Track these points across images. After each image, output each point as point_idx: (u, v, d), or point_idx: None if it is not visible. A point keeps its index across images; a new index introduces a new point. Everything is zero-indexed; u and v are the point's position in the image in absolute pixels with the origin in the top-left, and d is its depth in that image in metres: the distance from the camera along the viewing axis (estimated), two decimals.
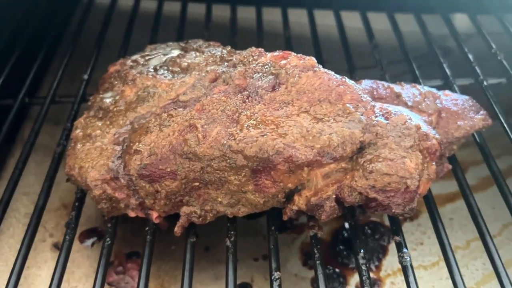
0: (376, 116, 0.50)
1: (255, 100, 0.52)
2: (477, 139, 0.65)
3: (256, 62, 0.55)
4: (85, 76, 0.76)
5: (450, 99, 0.60)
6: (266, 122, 0.50)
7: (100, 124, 0.58)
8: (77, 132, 0.58)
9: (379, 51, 0.80)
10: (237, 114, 0.51)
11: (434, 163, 0.52)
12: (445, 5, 0.89)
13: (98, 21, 0.90)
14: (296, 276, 0.65)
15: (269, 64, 0.54)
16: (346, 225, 0.71)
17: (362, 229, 0.71)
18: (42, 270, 0.64)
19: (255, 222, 0.70)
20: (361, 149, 0.50)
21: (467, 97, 0.62)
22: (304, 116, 0.50)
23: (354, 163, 0.50)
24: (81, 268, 0.64)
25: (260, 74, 0.54)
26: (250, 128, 0.50)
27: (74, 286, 0.62)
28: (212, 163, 0.51)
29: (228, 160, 0.50)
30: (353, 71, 0.76)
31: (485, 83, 0.72)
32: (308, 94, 0.51)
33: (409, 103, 0.59)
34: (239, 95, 0.53)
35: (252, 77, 0.54)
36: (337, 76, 0.52)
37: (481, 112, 0.60)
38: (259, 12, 0.90)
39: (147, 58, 0.65)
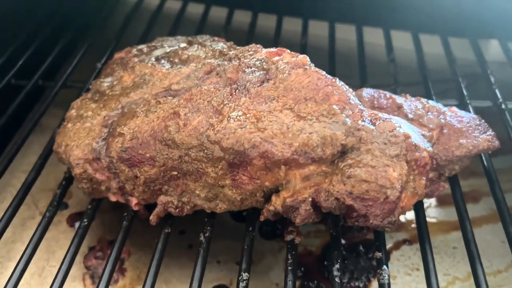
0: (363, 121, 0.48)
1: (242, 93, 0.51)
2: (486, 166, 0.61)
3: (251, 57, 0.54)
4: (98, 65, 0.78)
5: (455, 116, 0.57)
6: (248, 115, 0.48)
7: (94, 106, 0.59)
8: (72, 112, 0.59)
9: (396, 65, 0.77)
10: (221, 105, 0.50)
11: (424, 178, 0.49)
12: (474, 29, 0.85)
13: (127, 15, 0.93)
14: (277, 285, 0.63)
15: (262, 60, 0.53)
16: (343, 241, 0.68)
17: (355, 247, 0.67)
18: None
19: (244, 225, 0.68)
20: (344, 153, 0.48)
21: (474, 115, 0.58)
22: (287, 113, 0.48)
23: (335, 167, 0.48)
24: (63, 249, 0.64)
25: (252, 69, 0.53)
26: (231, 120, 0.48)
27: (53, 265, 0.62)
28: (190, 152, 0.50)
29: (206, 151, 0.49)
30: (364, 85, 0.74)
31: (503, 106, 0.68)
32: (295, 92, 0.49)
33: (410, 116, 0.56)
34: (228, 88, 0.52)
35: (244, 71, 0.53)
36: (328, 76, 0.50)
37: (488, 133, 0.56)
38: (279, 21, 0.89)
39: (152, 48, 0.66)
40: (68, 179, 0.61)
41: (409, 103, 0.58)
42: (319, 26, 0.91)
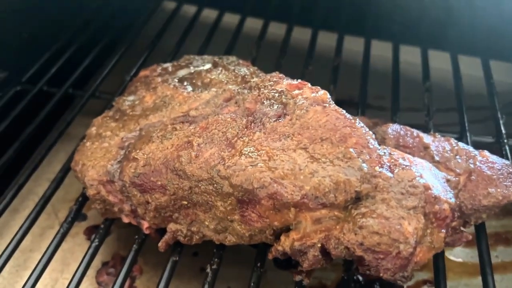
0: (380, 167, 0.45)
1: (257, 127, 0.49)
2: None
3: (271, 88, 0.53)
4: (127, 77, 0.78)
5: (486, 161, 0.53)
6: (260, 152, 0.47)
7: (113, 126, 0.59)
8: (92, 130, 0.60)
9: (430, 95, 0.73)
10: (235, 138, 0.49)
11: (443, 231, 0.46)
12: None
13: (162, 24, 0.93)
14: None
15: (282, 92, 0.51)
16: (359, 277, 0.66)
17: (372, 285, 0.65)
18: None
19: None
20: (358, 199, 0.45)
21: (508, 162, 0.54)
22: (301, 152, 0.46)
23: (348, 214, 0.45)
24: (77, 262, 0.64)
25: (271, 101, 0.51)
26: (243, 156, 0.47)
27: (66, 277, 0.63)
28: (199, 185, 0.49)
29: (215, 185, 0.48)
30: (396, 112, 0.71)
31: None
32: (311, 130, 0.47)
33: (437, 158, 0.53)
34: (244, 120, 0.51)
35: (263, 103, 0.52)
36: (348, 116, 0.48)
37: None
38: (314, 35, 0.87)
39: (177, 67, 0.65)
40: (84, 195, 0.61)
41: (437, 144, 0.54)
42: (354, 42, 0.88)
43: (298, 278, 0.51)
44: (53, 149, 0.71)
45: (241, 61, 0.64)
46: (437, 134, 0.57)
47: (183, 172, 0.49)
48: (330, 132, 0.47)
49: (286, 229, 0.49)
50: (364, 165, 0.45)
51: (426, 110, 0.70)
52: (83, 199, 0.61)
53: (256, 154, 0.47)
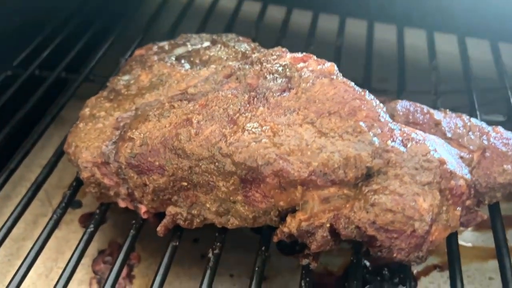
0: (393, 141, 0.43)
1: (260, 102, 0.47)
2: None
3: (274, 62, 0.50)
4: (123, 60, 0.75)
5: (500, 137, 0.51)
6: (264, 127, 0.44)
7: (108, 106, 0.56)
8: (85, 111, 0.57)
9: (438, 74, 0.71)
10: (237, 114, 0.46)
11: (459, 208, 0.44)
12: None
13: (157, 6, 0.90)
14: None
15: (286, 66, 0.49)
16: (367, 262, 0.63)
17: (380, 271, 0.62)
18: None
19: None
20: (369, 176, 0.43)
21: None
22: (308, 127, 0.43)
23: (358, 191, 0.43)
24: (72, 251, 0.62)
25: (274, 75, 0.49)
26: (245, 132, 0.44)
27: (60, 267, 0.60)
28: (200, 164, 0.46)
29: (217, 163, 0.45)
30: (401, 93, 0.68)
31: None
32: (318, 104, 0.44)
33: (448, 134, 0.51)
34: (246, 95, 0.48)
35: (265, 78, 0.49)
36: (357, 88, 0.45)
37: None
38: (315, 17, 0.84)
39: (174, 46, 0.62)
40: (78, 180, 0.59)
41: (449, 120, 0.52)
42: (357, 25, 0.85)
43: (304, 261, 0.49)
44: (46, 133, 0.68)
45: (241, 38, 0.61)
46: (448, 110, 0.54)
47: (182, 150, 0.46)
48: (338, 105, 0.44)
49: (292, 210, 0.46)
50: (375, 139, 0.42)
51: (434, 89, 0.68)
52: (77, 184, 0.58)
53: (260, 130, 0.44)
